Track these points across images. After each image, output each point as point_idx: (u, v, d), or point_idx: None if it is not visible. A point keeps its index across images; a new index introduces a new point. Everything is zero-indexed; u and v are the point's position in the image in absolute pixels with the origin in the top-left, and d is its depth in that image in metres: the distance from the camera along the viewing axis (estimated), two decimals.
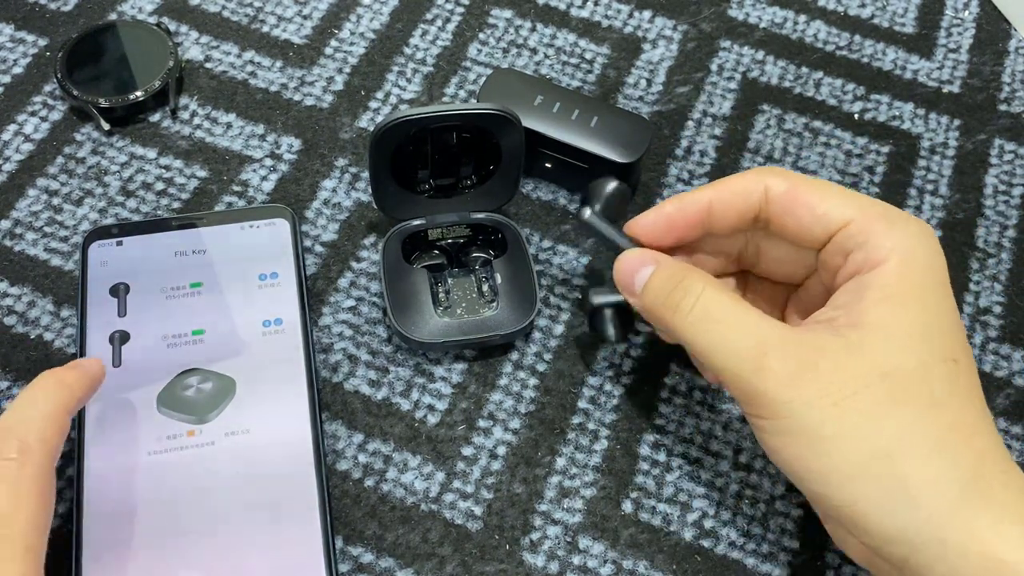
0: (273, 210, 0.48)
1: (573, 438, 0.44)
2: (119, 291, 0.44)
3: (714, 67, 0.56)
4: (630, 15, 0.58)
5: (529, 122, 0.48)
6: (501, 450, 0.43)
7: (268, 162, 0.51)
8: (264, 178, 0.50)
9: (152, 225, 0.47)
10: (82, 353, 0.43)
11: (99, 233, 0.46)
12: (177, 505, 0.39)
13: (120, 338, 0.43)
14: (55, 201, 0.49)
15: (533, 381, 0.45)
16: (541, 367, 0.46)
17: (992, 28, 0.59)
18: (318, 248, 0.48)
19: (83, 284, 0.45)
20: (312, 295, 0.47)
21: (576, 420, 0.44)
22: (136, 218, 0.48)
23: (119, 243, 0.46)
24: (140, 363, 0.42)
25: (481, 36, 0.56)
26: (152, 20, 0.55)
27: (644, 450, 0.44)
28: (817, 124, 0.54)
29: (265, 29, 0.56)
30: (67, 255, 0.47)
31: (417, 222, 0.47)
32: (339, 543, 0.40)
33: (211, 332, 0.43)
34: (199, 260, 0.46)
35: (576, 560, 0.41)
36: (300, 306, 0.45)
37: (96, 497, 0.39)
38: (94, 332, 0.43)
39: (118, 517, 0.38)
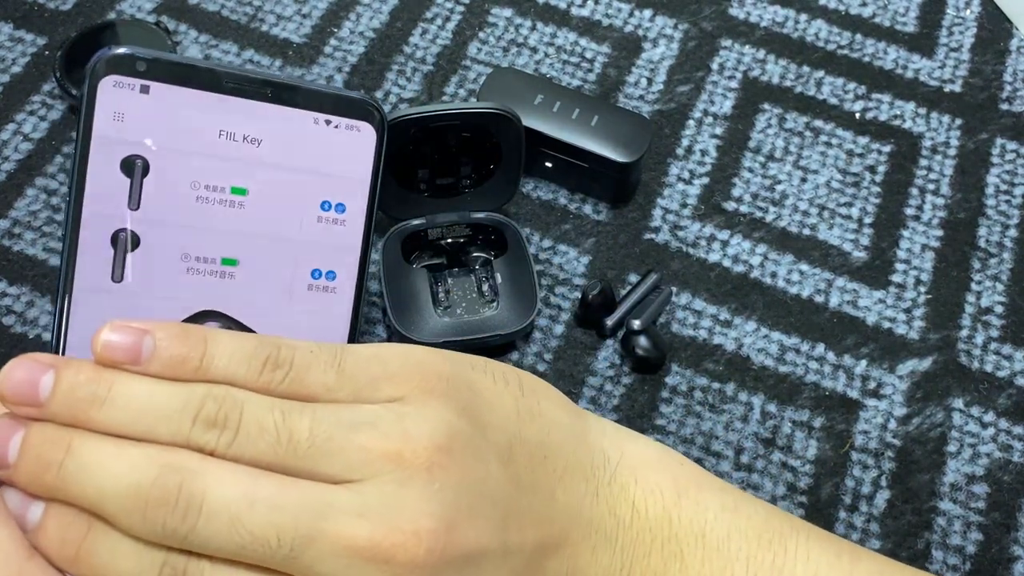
0: (359, 106, 0.34)
1: None
2: (134, 168, 0.31)
3: (715, 66, 0.56)
4: (630, 14, 0.58)
5: (529, 121, 0.48)
6: None
7: None
8: None
9: (196, 73, 0.32)
10: (72, 256, 0.31)
11: (119, 63, 0.31)
12: None
13: (128, 241, 0.32)
14: (54, 201, 0.49)
15: None
16: (541, 367, 0.45)
17: (993, 27, 0.59)
18: None
19: (84, 142, 0.31)
20: None
21: None
22: None
23: (145, 89, 0.31)
24: (147, 285, 0.32)
25: (481, 35, 0.56)
26: (151, 19, 0.55)
27: None
28: (818, 123, 0.54)
29: (264, 28, 0.56)
30: None
31: (417, 222, 0.47)
32: None
33: (245, 267, 0.33)
34: (250, 153, 0.33)
35: None
36: (360, 263, 0.35)
37: None
38: (93, 224, 0.31)
39: None
